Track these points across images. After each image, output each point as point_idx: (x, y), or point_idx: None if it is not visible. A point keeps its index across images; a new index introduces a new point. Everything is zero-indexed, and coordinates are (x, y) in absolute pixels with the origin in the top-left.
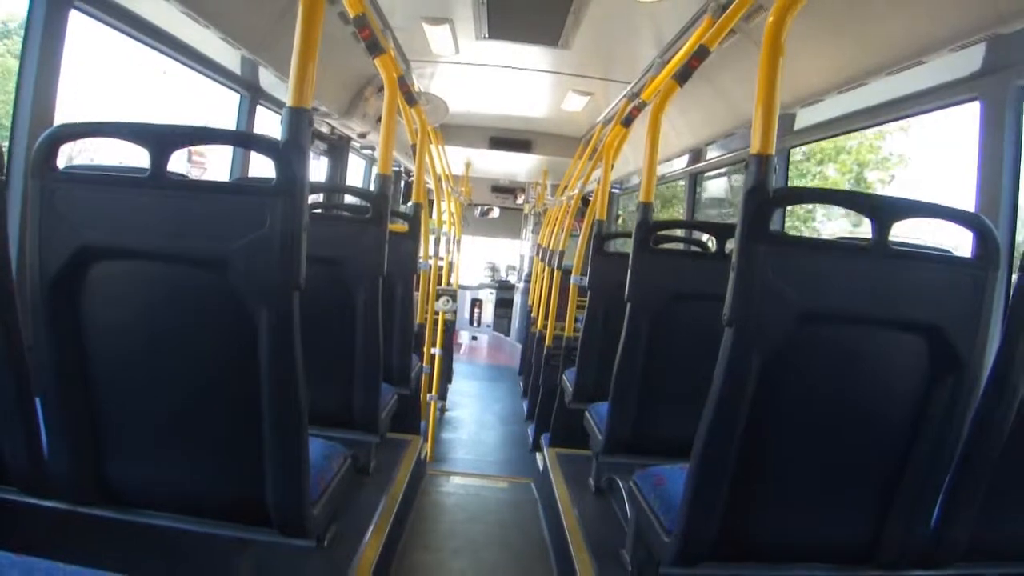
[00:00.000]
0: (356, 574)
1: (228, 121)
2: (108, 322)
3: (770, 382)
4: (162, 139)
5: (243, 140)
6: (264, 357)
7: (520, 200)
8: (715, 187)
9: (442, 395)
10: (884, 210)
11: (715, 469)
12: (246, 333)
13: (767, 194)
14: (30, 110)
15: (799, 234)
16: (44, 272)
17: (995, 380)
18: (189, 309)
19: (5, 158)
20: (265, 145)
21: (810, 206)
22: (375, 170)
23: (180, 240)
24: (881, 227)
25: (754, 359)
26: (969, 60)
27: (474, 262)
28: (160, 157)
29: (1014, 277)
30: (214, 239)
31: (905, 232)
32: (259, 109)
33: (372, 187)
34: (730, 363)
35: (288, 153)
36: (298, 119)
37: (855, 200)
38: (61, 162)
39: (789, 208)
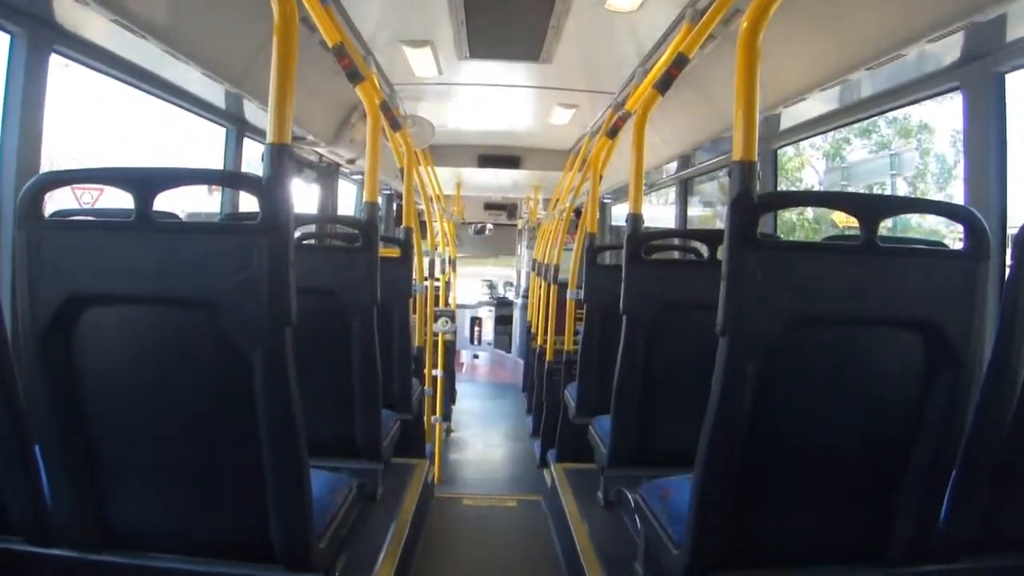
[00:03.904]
0: None
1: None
2: (103, 367)
3: (768, 388)
4: (146, 183)
5: (227, 179)
6: (260, 395)
7: (513, 216)
8: (709, 190)
9: (447, 416)
10: (870, 208)
11: (719, 478)
12: (240, 372)
13: (752, 200)
14: (16, 156)
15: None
16: (36, 321)
17: (994, 371)
18: (182, 351)
19: None
20: (248, 183)
21: None
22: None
23: (168, 283)
24: (869, 226)
25: (750, 366)
26: (948, 50)
27: (471, 280)
28: (145, 200)
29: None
30: (202, 280)
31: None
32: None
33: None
34: (727, 372)
35: (271, 190)
36: (280, 155)
37: (841, 201)
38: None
39: None
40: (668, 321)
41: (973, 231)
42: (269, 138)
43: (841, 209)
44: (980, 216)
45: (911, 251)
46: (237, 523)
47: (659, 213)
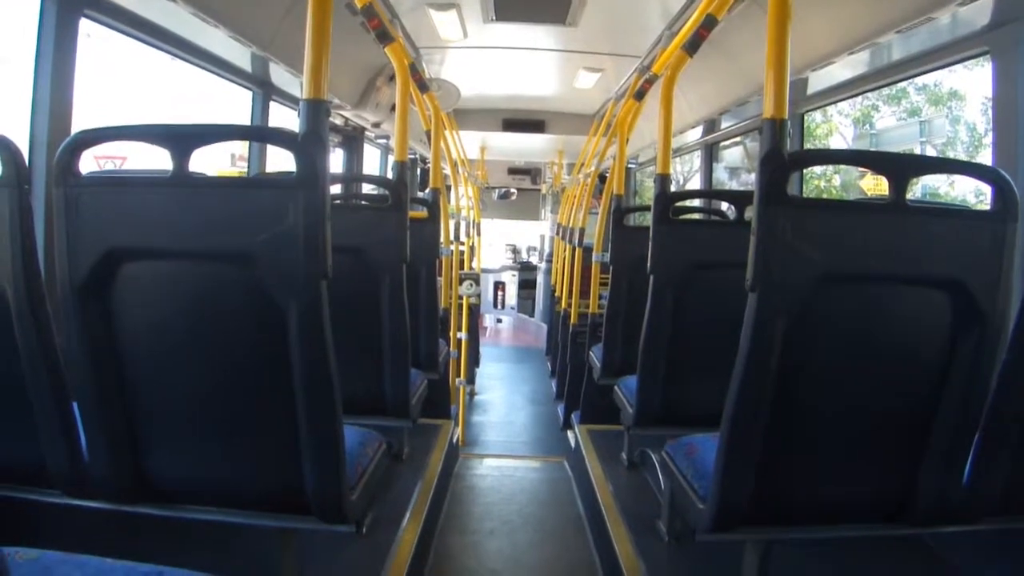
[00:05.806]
0: (395, 558)
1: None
2: (139, 322)
3: (796, 344)
4: (183, 139)
5: (262, 135)
6: (295, 347)
7: (537, 181)
8: (732, 157)
9: (470, 379)
10: (899, 167)
11: (746, 434)
12: (276, 325)
13: (783, 158)
14: (47, 118)
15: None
16: (73, 277)
17: (1020, 332)
18: (219, 304)
19: (27, 167)
20: (284, 139)
21: None
22: (391, 159)
23: (205, 237)
24: (898, 184)
25: (779, 322)
26: (978, 14)
27: (495, 245)
28: (182, 157)
29: None
30: (239, 235)
31: None
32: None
33: (390, 175)
34: (755, 328)
35: (307, 145)
36: (315, 111)
37: (869, 159)
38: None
39: None
40: (696, 281)
41: (1001, 192)
42: (304, 94)
43: (869, 167)
44: (1008, 178)
45: (939, 210)
46: (272, 475)
47: None
